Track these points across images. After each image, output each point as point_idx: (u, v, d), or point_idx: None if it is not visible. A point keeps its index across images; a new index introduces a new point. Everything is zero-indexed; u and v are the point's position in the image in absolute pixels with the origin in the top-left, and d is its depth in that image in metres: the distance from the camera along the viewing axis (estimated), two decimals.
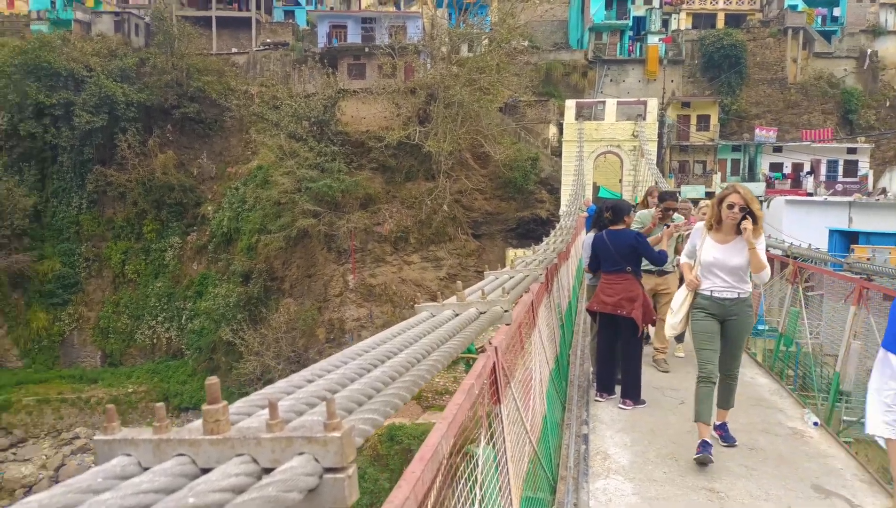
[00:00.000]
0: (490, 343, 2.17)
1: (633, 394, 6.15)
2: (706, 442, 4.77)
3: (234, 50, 45.02)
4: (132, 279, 37.53)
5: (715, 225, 4.90)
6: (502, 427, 2.13)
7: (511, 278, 3.62)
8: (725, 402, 5.17)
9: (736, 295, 4.92)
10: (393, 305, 31.46)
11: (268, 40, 45.49)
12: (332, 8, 49.06)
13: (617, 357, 6.40)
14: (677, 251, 7.50)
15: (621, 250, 6.25)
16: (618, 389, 6.33)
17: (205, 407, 0.87)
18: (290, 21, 48.62)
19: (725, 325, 4.96)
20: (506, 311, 2.19)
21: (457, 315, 2.06)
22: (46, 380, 32.92)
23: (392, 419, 24.06)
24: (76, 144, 37.44)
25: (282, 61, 42.77)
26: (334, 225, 32.01)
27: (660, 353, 7.64)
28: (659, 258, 6.61)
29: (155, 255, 37.91)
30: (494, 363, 2.10)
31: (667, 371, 7.30)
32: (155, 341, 35.79)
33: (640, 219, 7.60)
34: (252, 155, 38.45)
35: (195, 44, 41.56)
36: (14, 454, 28.26)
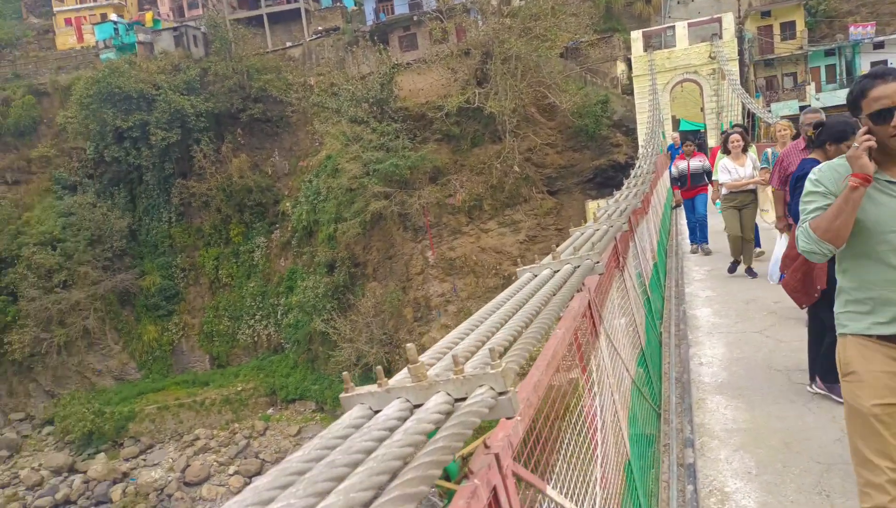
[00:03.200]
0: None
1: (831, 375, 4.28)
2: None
3: (288, 44, 45.10)
4: (227, 283, 38.79)
5: None
6: None
7: (596, 230, 3.90)
8: None
9: None
10: (475, 275, 30.76)
11: (319, 28, 45.25)
12: None
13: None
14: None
15: None
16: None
17: (409, 366, 1.34)
18: (338, 4, 48.16)
19: None
20: (597, 263, 2.68)
21: (556, 273, 2.49)
22: (163, 388, 34.87)
23: None
24: (157, 162, 38.88)
25: (335, 46, 42.40)
26: (406, 203, 31.52)
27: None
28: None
29: (244, 257, 38.98)
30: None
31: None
32: (255, 338, 36.94)
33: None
34: (320, 146, 38.52)
35: (251, 44, 41.93)
36: (144, 460, 30.19)
